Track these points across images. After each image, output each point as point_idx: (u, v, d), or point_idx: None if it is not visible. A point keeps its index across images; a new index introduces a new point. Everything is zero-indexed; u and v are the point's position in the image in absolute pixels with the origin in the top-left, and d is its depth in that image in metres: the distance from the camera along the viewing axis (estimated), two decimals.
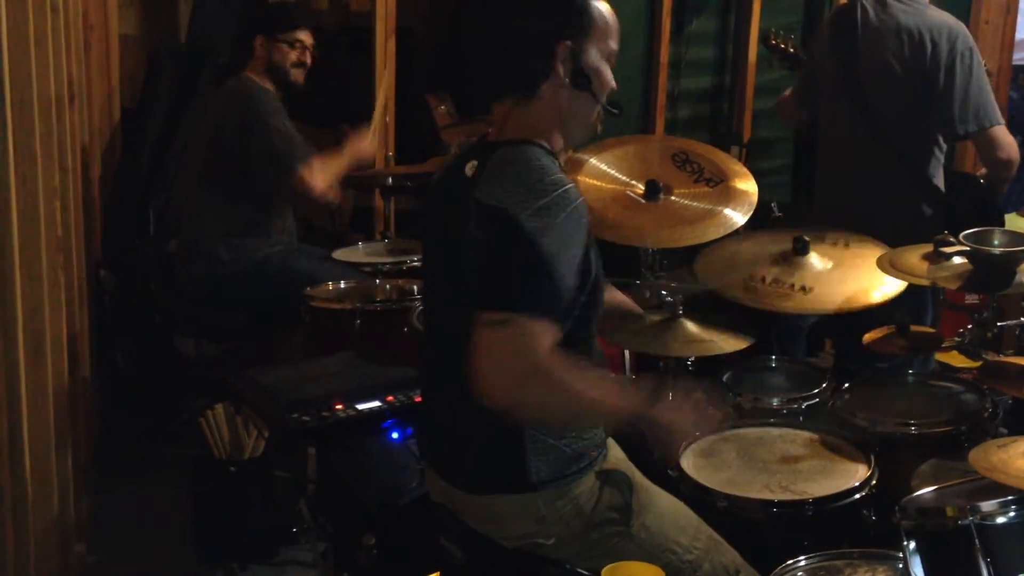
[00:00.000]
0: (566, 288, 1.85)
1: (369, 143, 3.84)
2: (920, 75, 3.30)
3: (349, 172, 3.73)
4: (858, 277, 2.84)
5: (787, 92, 3.78)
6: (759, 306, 2.78)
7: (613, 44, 2.02)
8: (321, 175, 3.58)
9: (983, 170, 3.57)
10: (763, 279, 2.85)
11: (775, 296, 2.80)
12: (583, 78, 1.97)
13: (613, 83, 2.04)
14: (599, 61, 2.00)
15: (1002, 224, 3.46)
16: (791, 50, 4.18)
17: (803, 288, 2.81)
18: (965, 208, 3.40)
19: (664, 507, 2.09)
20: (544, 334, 1.81)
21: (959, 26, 3.35)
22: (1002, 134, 3.33)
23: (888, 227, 3.35)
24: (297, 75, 3.75)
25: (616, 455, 2.14)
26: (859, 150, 3.42)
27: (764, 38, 4.01)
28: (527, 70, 1.96)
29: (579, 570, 2.01)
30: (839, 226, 3.20)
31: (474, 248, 1.89)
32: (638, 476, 2.13)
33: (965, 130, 3.32)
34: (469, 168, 2.00)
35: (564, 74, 1.96)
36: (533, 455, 1.96)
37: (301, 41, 3.74)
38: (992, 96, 3.34)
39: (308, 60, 3.77)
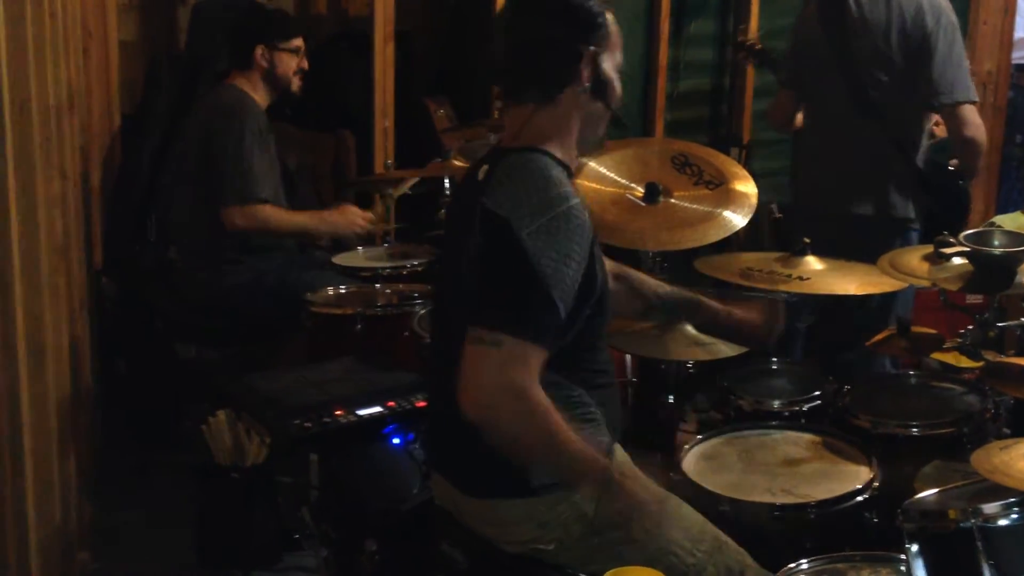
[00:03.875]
0: (561, 311, 1.88)
1: (362, 219, 3.65)
2: (907, 50, 3.36)
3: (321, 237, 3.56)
4: (855, 274, 2.86)
5: (773, 102, 3.83)
6: (755, 285, 2.81)
7: (619, 57, 2.08)
8: (252, 220, 3.47)
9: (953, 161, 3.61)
10: (761, 269, 2.88)
11: (771, 281, 2.82)
12: (601, 85, 2.02)
13: (620, 95, 2.09)
14: (612, 71, 2.06)
15: (965, 217, 3.57)
16: (758, 46, 4.21)
17: (799, 278, 2.82)
18: (941, 200, 3.45)
19: (667, 509, 2.08)
20: (531, 358, 1.85)
21: (944, 2, 3.41)
22: (970, 112, 3.36)
23: (870, 195, 3.41)
24: (297, 82, 3.73)
25: (619, 458, 2.14)
26: (848, 127, 3.46)
27: (733, 39, 4.03)
28: (555, 71, 2.00)
29: (580, 575, 2.01)
30: (820, 199, 3.30)
31: (474, 253, 1.93)
32: (642, 478, 2.13)
33: (939, 102, 3.35)
34: (481, 172, 2.05)
35: (586, 79, 2.00)
36: None
37: (300, 48, 3.71)
38: (968, 75, 3.39)
39: (305, 66, 3.74)
